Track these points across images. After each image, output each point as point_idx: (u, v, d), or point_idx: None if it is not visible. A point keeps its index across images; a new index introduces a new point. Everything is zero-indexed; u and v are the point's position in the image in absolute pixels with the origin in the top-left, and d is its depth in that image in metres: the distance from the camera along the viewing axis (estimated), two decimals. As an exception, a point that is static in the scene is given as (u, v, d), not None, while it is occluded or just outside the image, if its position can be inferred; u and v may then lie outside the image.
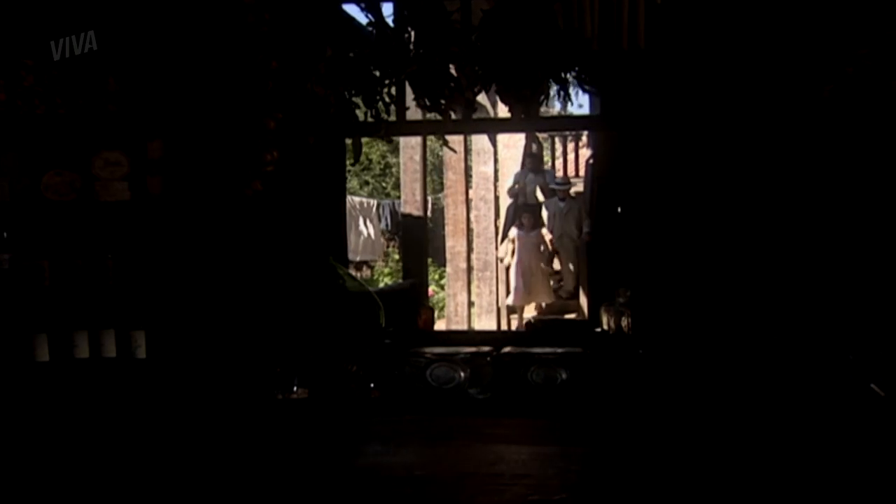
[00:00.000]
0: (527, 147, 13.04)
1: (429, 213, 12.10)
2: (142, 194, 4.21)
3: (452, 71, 3.94)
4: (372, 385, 3.90)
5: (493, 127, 4.00)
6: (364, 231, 14.86)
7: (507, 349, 4.11)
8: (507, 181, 12.64)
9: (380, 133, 4.11)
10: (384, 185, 21.03)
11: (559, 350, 3.92)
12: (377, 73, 3.97)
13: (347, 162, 4.72)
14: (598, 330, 4.81)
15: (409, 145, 10.86)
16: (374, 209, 15.47)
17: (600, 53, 3.45)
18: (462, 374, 3.81)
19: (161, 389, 4.08)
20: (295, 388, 3.91)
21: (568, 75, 3.63)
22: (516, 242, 10.89)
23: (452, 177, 12.94)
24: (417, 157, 10.94)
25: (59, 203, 4.23)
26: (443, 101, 3.85)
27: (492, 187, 13.27)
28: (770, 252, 3.75)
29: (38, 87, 4.18)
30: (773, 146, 3.71)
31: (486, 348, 4.12)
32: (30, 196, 4.24)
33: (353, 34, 3.94)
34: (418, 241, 10.62)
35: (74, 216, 4.27)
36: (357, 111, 4.19)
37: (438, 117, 4.14)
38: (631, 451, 3.38)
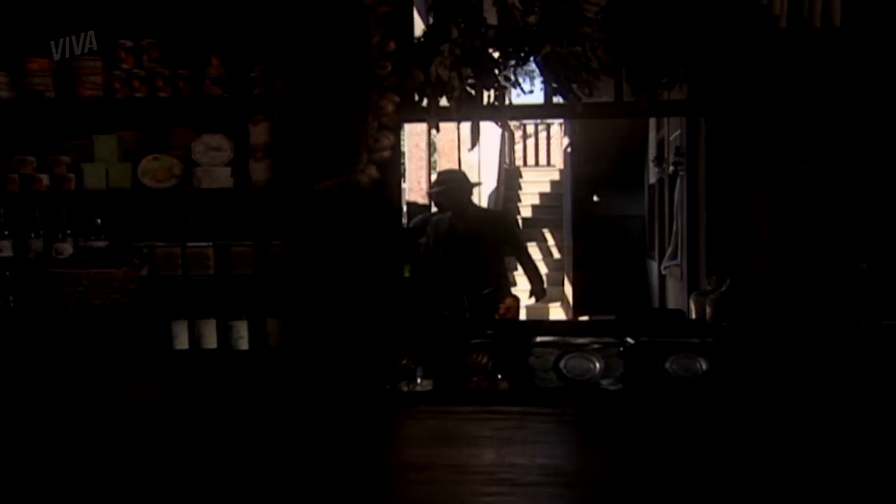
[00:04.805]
0: None
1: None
2: (245, 181, 4.05)
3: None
4: (500, 376, 3.79)
5: (619, 112, 3.82)
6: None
7: (631, 340, 3.99)
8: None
9: (500, 117, 3.99)
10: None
11: (695, 340, 3.82)
12: (497, 55, 3.84)
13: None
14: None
15: (415, 132, 10.67)
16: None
17: (788, 32, 3.37)
18: (598, 366, 3.71)
19: (264, 381, 3.94)
20: (419, 380, 3.79)
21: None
22: None
23: (446, 164, 12.81)
24: (423, 145, 10.78)
25: (157, 189, 4.05)
26: (574, 85, 3.73)
27: (476, 175, 13.16)
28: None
29: (137, 70, 4.00)
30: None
31: (611, 339, 3.99)
32: (126, 182, 4.06)
33: (476, 14, 3.79)
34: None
35: (173, 203, 4.11)
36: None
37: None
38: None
